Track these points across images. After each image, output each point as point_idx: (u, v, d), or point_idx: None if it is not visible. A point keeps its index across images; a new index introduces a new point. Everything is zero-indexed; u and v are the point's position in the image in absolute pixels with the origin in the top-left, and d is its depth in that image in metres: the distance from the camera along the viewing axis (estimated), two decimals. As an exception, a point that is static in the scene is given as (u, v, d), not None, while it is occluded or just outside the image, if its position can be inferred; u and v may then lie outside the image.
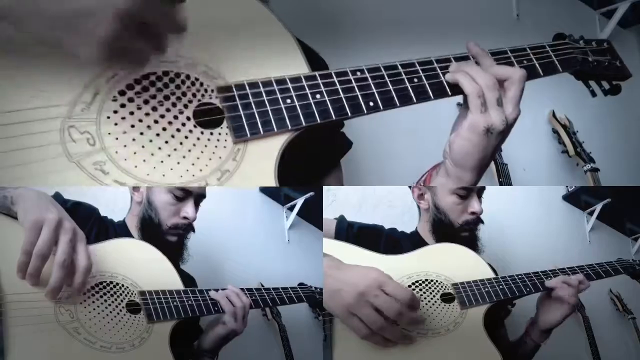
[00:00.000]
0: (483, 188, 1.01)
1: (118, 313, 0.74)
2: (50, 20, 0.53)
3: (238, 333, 0.87)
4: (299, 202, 1.41)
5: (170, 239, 0.92)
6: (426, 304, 0.85)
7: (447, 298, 0.86)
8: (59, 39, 0.54)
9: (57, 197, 0.81)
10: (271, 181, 0.66)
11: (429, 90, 0.76)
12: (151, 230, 0.91)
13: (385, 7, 1.78)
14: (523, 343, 0.96)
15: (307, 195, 1.37)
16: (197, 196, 0.93)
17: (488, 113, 0.74)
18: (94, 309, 0.72)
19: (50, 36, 0.54)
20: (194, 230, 0.95)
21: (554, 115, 2.22)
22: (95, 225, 0.90)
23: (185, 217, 0.92)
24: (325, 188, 1.05)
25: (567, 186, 1.72)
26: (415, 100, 0.75)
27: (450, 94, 0.77)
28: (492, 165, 1.79)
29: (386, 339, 0.77)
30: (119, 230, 0.92)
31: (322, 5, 1.62)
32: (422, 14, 1.88)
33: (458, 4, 1.98)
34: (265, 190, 1.43)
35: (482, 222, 1.01)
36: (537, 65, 0.84)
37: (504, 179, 1.77)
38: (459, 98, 0.78)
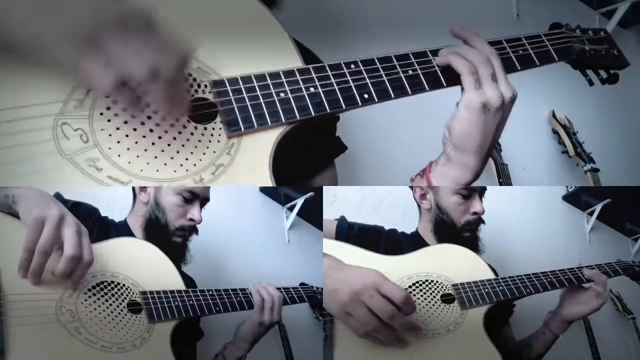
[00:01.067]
0: (484, 188, 1.01)
1: (119, 313, 0.74)
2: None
3: (268, 324, 0.91)
4: (299, 202, 1.41)
5: (175, 240, 0.92)
6: (426, 304, 0.85)
7: (447, 299, 0.86)
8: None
9: (58, 197, 0.81)
10: (266, 175, 0.66)
11: (424, 81, 0.75)
12: (157, 230, 0.91)
13: (384, 7, 1.79)
14: (540, 335, 0.97)
15: (307, 195, 1.37)
16: (202, 199, 0.94)
17: (482, 90, 0.73)
18: (95, 309, 0.72)
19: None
20: (197, 233, 0.95)
21: (554, 115, 2.22)
22: (96, 225, 0.90)
23: (191, 219, 0.93)
24: (325, 188, 1.05)
25: (567, 186, 1.72)
26: (410, 92, 0.75)
27: (445, 84, 0.77)
28: (492, 165, 1.79)
29: (381, 341, 0.77)
30: (120, 229, 0.92)
31: (321, 5, 1.62)
32: (421, 14, 1.88)
33: (458, 4, 1.99)
34: (265, 190, 1.43)
35: (483, 222, 1.01)
36: (533, 54, 0.84)
37: (504, 179, 1.78)
38: (459, 97, 0.78)
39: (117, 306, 0.75)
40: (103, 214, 0.93)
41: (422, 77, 0.76)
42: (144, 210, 0.93)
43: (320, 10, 1.61)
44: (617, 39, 0.98)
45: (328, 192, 1.14)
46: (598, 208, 1.66)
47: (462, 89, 0.75)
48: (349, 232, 0.97)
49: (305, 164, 0.91)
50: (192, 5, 0.69)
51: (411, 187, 1.03)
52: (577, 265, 0.96)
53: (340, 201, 1.22)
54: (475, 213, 0.98)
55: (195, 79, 0.66)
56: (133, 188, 0.94)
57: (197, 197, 0.93)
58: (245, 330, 0.92)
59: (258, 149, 0.66)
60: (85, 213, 0.89)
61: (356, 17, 1.71)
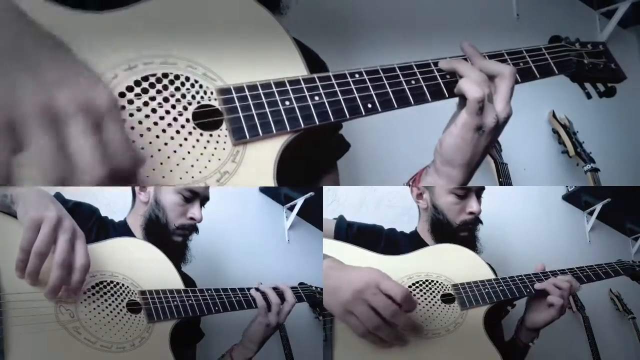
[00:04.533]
0: (482, 188, 1.01)
1: (118, 313, 0.74)
2: None
3: (274, 326, 0.93)
4: (299, 202, 1.42)
5: (175, 239, 0.93)
6: (426, 304, 0.85)
7: (447, 299, 0.86)
8: None
9: (58, 197, 0.81)
10: (270, 183, 0.66)
11: (427, 93, 0.76)
12: (157, 230, 0.91)
13: (385, 8, 1.79)
14: (514, 344, 0.97)
15: (307, 195, 1.37)
16: (202, 198, 0.94)
17: (481, 114, 0.74)
18: (95, 309, 0.72)
19: None
20: (197, 231, 0.95)
21: (554, 115, 2.23)
22: (96, 225, 0.90)
23: (192, 218, 0.93)
24: (325, 188, 1.05)
25: (567, 186, 1.72)
26: (412, 103, 0.76)
27: (447, 96, 0.77)
28: (492, 165, 1.79)
29: (382, 339, 0.77)
30: (120, 229, 0.92)
31: (324, 8, 1.62)
32: (422, 15, 1.88)
33: (458, 5, 1.98)
34: (265, 191, 1.43)
35: (480, 222, 1.01)
36: (533, 67, 0.85)
37: (504, 179, 1.78)
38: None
39: (117, 306, 0.75)
40: (103, 214, 0.93)
41: (424, 88, 0.77)
42: (143, 209, 0.93)
43: (325, 13, 1.61)
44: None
45: (328, 192, 1.14)
46: (598, 208, 1.66)
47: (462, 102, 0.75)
48: (348, 232, 0.97)
49: (309, 168, 0.91)
50: (198, 10, 0.69)
51: (409, 186, 1.03)
52: (540, 270, 0.94)
53: (340, 201, 1.22)
54: (471, 213, 0.98)
55: (201, 86, 0.66)
56: (132, 188, 0.94)
57: (197, 195, 0.93)
58: (253, 331, 0.92)
59: (263, 157, 0.67)
60: (85, 213, 0.89)
61: (356, 18, 1.71)
